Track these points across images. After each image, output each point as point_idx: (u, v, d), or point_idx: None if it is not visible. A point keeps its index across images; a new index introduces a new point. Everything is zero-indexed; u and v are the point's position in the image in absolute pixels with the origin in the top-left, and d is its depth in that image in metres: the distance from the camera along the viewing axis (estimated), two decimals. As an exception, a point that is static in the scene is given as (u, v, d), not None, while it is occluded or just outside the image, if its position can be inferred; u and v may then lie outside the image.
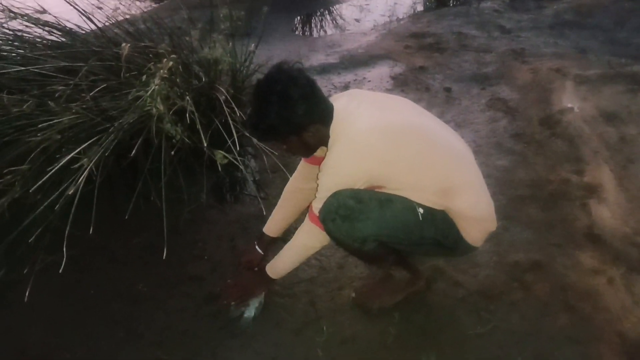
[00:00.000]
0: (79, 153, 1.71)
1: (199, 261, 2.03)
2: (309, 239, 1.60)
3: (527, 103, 3.14)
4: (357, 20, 5.27)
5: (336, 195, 1.47)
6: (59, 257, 1.59)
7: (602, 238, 2.04)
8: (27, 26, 2.25)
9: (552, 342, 1.63)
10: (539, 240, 2.05)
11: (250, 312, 1.75)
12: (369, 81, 3.57)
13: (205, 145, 1.89)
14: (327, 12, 5.70)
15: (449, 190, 1.50)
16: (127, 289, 1.91)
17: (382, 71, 3.72)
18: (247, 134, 2.07)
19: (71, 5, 2.30)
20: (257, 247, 1.87)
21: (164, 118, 1.82)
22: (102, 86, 1.98)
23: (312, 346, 1.66)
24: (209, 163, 2.03)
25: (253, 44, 2.46)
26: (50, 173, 1.67)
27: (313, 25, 5.46)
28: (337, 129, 1.47)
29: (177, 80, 2.01)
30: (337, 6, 5.80)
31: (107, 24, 2.46)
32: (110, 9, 2.56)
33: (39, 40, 2.28)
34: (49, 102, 1.81)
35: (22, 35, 2.25)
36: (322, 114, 1.47)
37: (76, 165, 1.67)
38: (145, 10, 3.78)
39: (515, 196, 2.31)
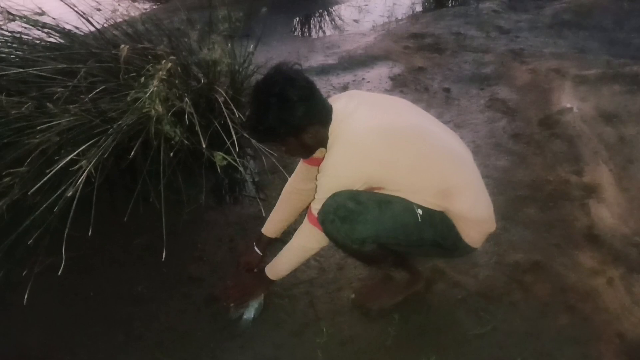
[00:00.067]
0: (78, 155, 1.71)
1: (198, 262, 2.03)
2: (308, 240, 1.60)
3: (526, 103, 3.14)
4: (356, 21, 5.27)
5: (335, 197, 1.47)
6: (58, 259, 1.59)
7: (602, 238, 2.04)
8: (25, 28, 2.25)
9: (552, 343, 1.63)
10: (539, 241, 2.05)
11: (249, 313, 1.75)
12: (368, 82, 3.57)
13: (204, 146, 1.89)
14: (326, 13, 5.70)
15: (448, 192, 1.49)
16: (127, 291, 1.91)
17: (381, 72, 3.72)
18: (246, 135, 2.07)
19: (70, 7, 2.30)
20: (255, 248, 1.87)
21: (162, 119, 1.82)
22: (101, 88, 1.98)
23: (312, 347, 1.66)
24: (208, 164, 2.03)
25: (252, 45, 2.46)
26: (49, 175, 1.66)
27: (312, 26, 5.46)
28: (336, 130, 1.47)
29: (176, 81, 2.01)
30: (336, 7, 5.80)
31: (105, 25, 2.46)
32: (109, 10, 2.56)
33: (37, 42, 2.28)
34: (48, 103, 1.81)
35: (21, 37, 2.25)
36: (321, 115, 1.47)
37: (75, 167, 1.67)
38: (144, 11, 3.79)
39: (515, 197, 2.31)
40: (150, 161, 1.92)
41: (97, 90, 1.96)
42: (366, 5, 5.76)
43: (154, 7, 5.35)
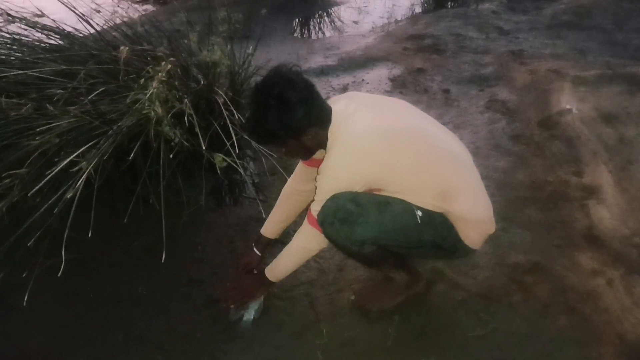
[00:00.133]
0: (77, 156, 1.71)
1: (198, 264, 2.03)
2: (308, 242, 1.60)
3: (526, 104, 3.14)
4: (356, 23, 5.28)
5: (335, 199, 1.47)
6: (58, 261, 1.59)
7: (602, 239, 2.04)
8: (25, 29, 2.25)
9: (552, 344, 1.63)
10: (539, 242, 2.05)
11: (249, 315, 1.75)
12: (368, 83, 3.58)
13: (204, 148, 1.89)
14: (325, 14, 5.70)
15: (448, 193, 1.50)
16: (127, 292, 1.91)
17: (380, 73, 3.72)
18: (246, 137, 2.07)
19: (69, 8, 2.30)
20: (254, 248, 1.87)
21: (162, 121, 1.82)
22: (101, 89, 1.98)
23: (312, 349, 1.66)
24: (208, 166, 2.03)
25: (251, 47, 2.46)
26: (48, 176, 1.66)
27: (311, 27, 5.46)
28: (336, 131, 1.47)
29: (176, 83, 2.01)
30: (336, 8, 5.81)
31: (105, 27, 2.46)
32: (109, 12, 2.56)
33: (37, 43, 2.28)
34: (48, 105, 1.81)
35: (21, 39, 2.25)
36: (320, 116, 1.47)
37: (75, 169, 1.67)
38: (143, 13, 3.79)
39: (515, 198, 2.31)
40: (150, 163, 1.92)
41: (97, 91, 1.96)
42: (365, 6, 5.77)
43: (154, 8, 5.36)
